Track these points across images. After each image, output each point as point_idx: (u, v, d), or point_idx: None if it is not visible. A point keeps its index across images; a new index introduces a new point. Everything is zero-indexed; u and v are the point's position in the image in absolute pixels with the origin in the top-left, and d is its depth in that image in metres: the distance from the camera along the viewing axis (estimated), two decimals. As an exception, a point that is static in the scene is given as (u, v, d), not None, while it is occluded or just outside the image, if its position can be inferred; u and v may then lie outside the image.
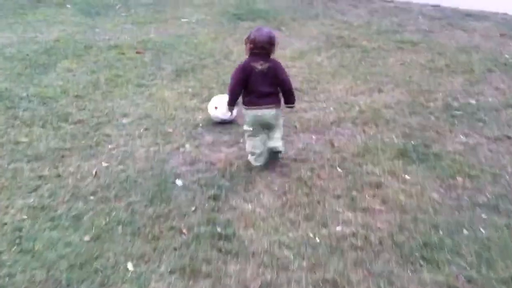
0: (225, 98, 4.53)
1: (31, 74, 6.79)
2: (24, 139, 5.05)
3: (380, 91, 6.19)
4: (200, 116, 5.58)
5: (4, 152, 4.82)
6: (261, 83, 4.20)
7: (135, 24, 9.51)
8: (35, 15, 9.88)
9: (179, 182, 4.39)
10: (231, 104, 4.42)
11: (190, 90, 6.29)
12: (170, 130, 5.27)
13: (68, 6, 10.44)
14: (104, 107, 5.77)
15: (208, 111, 5.53)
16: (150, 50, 7.92)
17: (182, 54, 7.72)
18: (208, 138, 5.20)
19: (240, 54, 7.29)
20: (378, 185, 4.35)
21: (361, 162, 4.73)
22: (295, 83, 5.07)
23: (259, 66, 4.18)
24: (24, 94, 6.07)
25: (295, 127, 5.30)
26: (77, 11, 10.18)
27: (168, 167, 4.64)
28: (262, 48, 4.16)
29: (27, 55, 7.65)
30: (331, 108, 5.77)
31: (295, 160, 4.78)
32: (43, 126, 5.31)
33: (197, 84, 6.45)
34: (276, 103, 4.33)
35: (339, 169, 4.62)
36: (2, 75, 6.73)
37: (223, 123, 5.41)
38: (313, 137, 5.14)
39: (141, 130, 5.25)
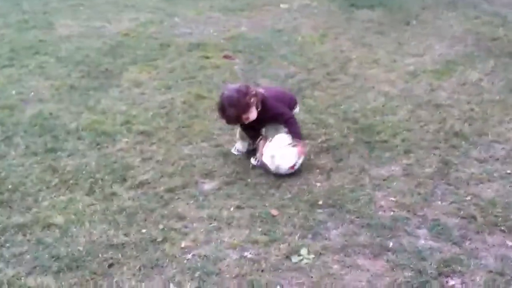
0: (284, 141, 3.70)
1: (87, 90, 5.03)
2: (55, 221, 3.32)
3: None
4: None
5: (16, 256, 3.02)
6: None
7: (223, 12, 7.57)
8: (104, -3, 8.03)
9: None
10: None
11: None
12: (276, 213, 3.28)
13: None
14: (178, 156, 4.01)
15: (265, 161, 3.77)
16: (241, 53, 5.96)
17: (283, 62, 5.73)
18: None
19: (361, 63, 5.20)
20: None
21: None
22: (450, 120, 4.18)
23: None
24: (73, 126, 4.30)
25: (474, 218, 3.18)
26: (154, -8, 8.24)
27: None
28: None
29: (87, 56, 5.85)
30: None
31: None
32: (89, 192, 3.63)
33: (306, 117, 4.38)
34: None
35: None
36: (49, 89, 5.01)
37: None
38: (509, 243, 2.98)
39: (231, 208, 3.32)
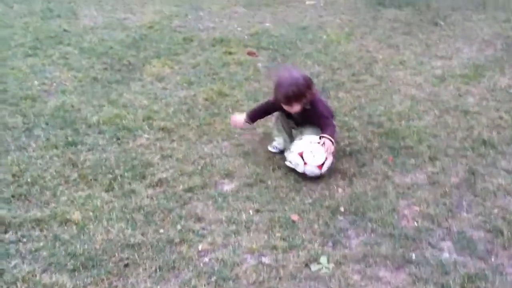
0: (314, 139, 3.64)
1: (109, 83, 5.00)
2: (72, 218, 3.28)
3: None
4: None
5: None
6: None
7: (248, 7, 7.50)
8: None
9: None
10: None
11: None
12: (296, 218, 3.22)
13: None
14: (198, 154, 3.96)
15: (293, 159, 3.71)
16: (265, 50, 5.88)
17: (308, 60, 5.62)
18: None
19: (387, 64, 5.10)
20: None
21: None
22: (478, 127, 4.29)
23: None
24: (94, 119, 4.26)
25: (501, 233, 3.16)
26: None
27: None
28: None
29: (111, 48, 5.82)
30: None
31: None
32: (108, 188, 3.58)
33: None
34: None
35: None
36: (72, 81, 4.99)
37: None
38: None
39: (250, 212, 3.23)
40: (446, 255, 2.93)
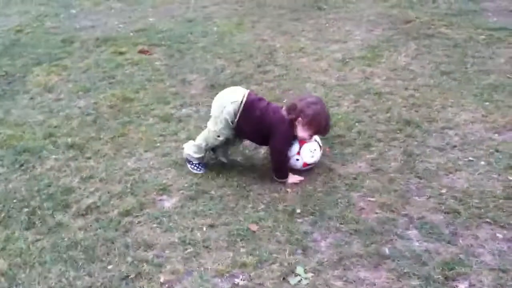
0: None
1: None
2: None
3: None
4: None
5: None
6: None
7: (124, 1, 7.02)
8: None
9: None
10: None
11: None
12: (255, 228, 2.96)
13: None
14: (123, 171, 3.59)
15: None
16: (157, 47, 5.48)
17: (207, 54, 5.31)
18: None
19: (287, 52, 4.98)
20: None
21: None
22: (395, 108, 4.13)
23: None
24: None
25: (458, 213, 3.12)
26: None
27: None
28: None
29: (-20, 58, 5.03)
30: (483, 163, 3.64)
31: None
32: (28, 226, 3.11)
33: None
34: (241, 117, 3.31)
35: None
36: None
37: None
38: (499, 235, 2.95)
39: (204, 228, 2.95)
40: (416, 244, 2.86)
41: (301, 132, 3.29)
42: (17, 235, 2.87)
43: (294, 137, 3.36)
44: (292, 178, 3.33)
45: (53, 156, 3.58)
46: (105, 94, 4.46)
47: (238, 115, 3.22)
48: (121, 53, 5.36)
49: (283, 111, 3.30)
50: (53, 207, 3.10)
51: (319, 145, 3.43)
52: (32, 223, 2.98)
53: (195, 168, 3.38)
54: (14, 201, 3.15)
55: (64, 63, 5.12)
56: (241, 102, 3.24)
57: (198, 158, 3.36)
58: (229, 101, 3.26)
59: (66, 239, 2.85)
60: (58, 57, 5.26)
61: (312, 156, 3.37)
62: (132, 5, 6.99)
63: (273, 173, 3.35)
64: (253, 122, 3.26)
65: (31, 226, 2.95)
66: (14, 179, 3.35)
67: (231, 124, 3.24)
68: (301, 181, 3.33)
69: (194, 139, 3.57)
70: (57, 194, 3.20)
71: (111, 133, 3.87)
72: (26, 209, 3.08)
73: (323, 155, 3.57)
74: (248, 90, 3.39)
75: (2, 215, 3.03)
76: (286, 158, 3.33)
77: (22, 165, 3.48)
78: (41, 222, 2.98)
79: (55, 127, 3.94)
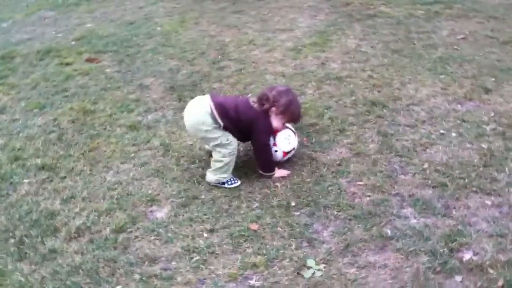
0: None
1: None
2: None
3: (486, 90, 4.20)
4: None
5: None
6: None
7: (56, 9, 6.73)
8: None
9: None
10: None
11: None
12: (256, 227, 2.98)
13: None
14: (104, 186, 3.49)
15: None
16: (104, 54, 5.31)
17: (158, 56, 5.23)
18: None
19: (238, 46, 4.98)
20: None
21: None
22: (358, 91, 4.24)
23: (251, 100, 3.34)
24: None
25: (445, 185, 3.27)
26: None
27: None
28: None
29: None
30: (454, 134, 3.82)
31: None
32: (20, 257, 2.96)
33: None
34: (221, 119, 3.21)
35: None
36: None
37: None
38: (488, 202, 3.10)
39: (204, 234, 2.96)
40: (414, 221, 2.94)
41: (275, 122, 3.29)
42: (11, 268, 2.73)
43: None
44: (279, 172, 3.33)
45: (26, 180, 3.41)
46: (62, 109, 4.29)
47: (217, 117, 3.16)
48: (67, 64, 5.16)
49: (253, 104, 3.27)
50: (41, 234, 2.96)
51: (292, 131, 3.43)
52: (24, 253, 2.84)
53: (231, 183, 3.32)
54: (-4, 232, 2.96)
55: (10, 80, 4.87)
56: (210, 106, 3.18)
57: (227, 176, 3.29)
58: (200, 114, 3.20)
59: (64, 265, 2.73)
60: (1, 75, 5.00)
61: (289, 143, 3.38)
62: (66, 13, 6.73)
63: (260, 169, 3.33)
64: (232, 122, 3.22)
65: (23, 256, 2.81)
66: (-11, 209, 3.15)
67: (220, 126, 3.18)
68: (288, 174, 3.32)
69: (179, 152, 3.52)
70: (41, 220, 3.05)
71: (81, 149, 3.72)
72: (12, 240, 2.93)
73: (302, 145, 3.59)
74: (208, 94, 3.32)
75: (-12, 249, 2.83)
76: (271, 151, 3.30)
77: (-6, 194, 3.27)
78: (32, 251, 2.84)
79: (19, 149, 3.75)
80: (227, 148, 3.19)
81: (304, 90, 4.45)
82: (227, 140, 3.19)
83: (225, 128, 3.19)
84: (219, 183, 3.24)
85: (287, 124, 3.41)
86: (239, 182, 3.27)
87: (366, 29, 5.75)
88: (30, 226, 3.02)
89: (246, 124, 3.23)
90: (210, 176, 3.27)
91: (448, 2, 6.38)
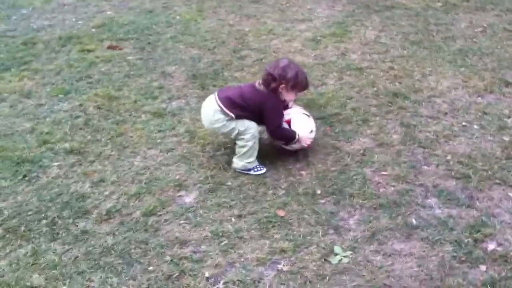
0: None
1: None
2: (34, 283, 2.71)
3: (507, 83, 4.27)
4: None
5: None
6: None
7: (74, -4, 6.70)
8: None
9: None
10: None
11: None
12: (283, 213, 3.03)
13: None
14: (132, 171, 3.54)
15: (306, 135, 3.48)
16: (125, 41, 5.37)
17: (179, 45, 5.28)
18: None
19: (257, 35, 5.04)
20: None
21: None
22: (379, 82, 4.41)
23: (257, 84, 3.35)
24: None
25: (468, 177, 3.31)
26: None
27: None
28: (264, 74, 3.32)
29: None
30: (476, 127, 3.89)
31: None
32: (53, 237, 3.01)
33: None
34: (231, 110, 3.27)
35: None
36: None
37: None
38: (510, 194, 3.20)
39: (232, 219, 3.03)
40: (438, 211, 2.99)
41: (287, 96, 3.34)
42: (44, 247, 2.80)
43: (284, 106, 3.43)
44: (303, 133, 3.41)
45: (55, 164, 3.48)
46: (87, 95, 4.35)
47: (226, 110, 3.24)
48: (89, 51, 5.22)
49: (260, 86, 3.31)
50: (73, 215, 3.03)
51: (307, 115, 3.52)
52: (56, 233, 2.91)
53: (257, 170, 3.38)
54: (29, 213, 3.06)
55: (33, 66, 4.93)
56: (217, 102, 3.27)
57: (253, 162, 3.36)
58: (211, 114, 3.31)
59: (97, 246, 2.80)
60: (25, 60, 5.05)
61: (306, 127, 3.45)
62: (84, 0, 6.76)
63: (282, 145, 3.42)
64: (243, 109, 3.28)
65: (56, 237, 2.88)
66: (21, 191, 3.24)
67: (233, 117, 3.22)
68: (311, 142, 3.42)
69: (199, 137, 3.69)
70: (73, 202, 3.12)
71: (108, 134, 3.79)
72: (44, 221, 3.00)
73: (326, 134, 3.66)
74: (213, 93, 3.39)
75: (22, 228, 2.93)
76: (284, 128, 3.40)
77: (25, 176, 3.37)
78: (65, 232, 2.91)
79: (47, 133, 3.82)
80: (247, 133, 3.28)
81: (325, 81, 4.50)
82: (244, 126, 3.27)
83: (239, 117, 3.23)
84: (245, 169, 3.30)
85: (302, 110, 3.48)
86: (264, 170, 3.32)
87: (384, 20, 5.77)
88: (61, 208, 3.08)
89: (256, 109, 3.30)
90: (237, 162, 3.34)
91: (466, -6, 6.37)
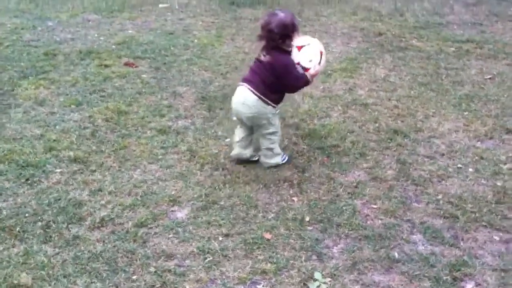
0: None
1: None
2: (21, 282, 2.82)
3: (508, 130, 4.30)
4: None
5: None
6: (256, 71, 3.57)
7: (100, 13, 6.98)
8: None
9: None
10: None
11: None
12: (269, 236, 3.19)
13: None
14: (130, 183, 3.66)
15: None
16: (142, 60, 5.53)
17: (193, 67, 5.42)
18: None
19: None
20: None
21: None
22: (382, 118, 4.50)
23: (262, 57, 3.52)
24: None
25: (456, 217, 3.37)
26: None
27: None
28: (266, 35, 3.42)
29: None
30: (471, 170, 3.93)
31: None
32: (45, 239, 3.13)
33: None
34: (262, 93, 3.50)
35: None
36: None
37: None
38: (495, 238, 3.22)
39: (220, 238, 3.16)
40: (422, 247, 3.04)
41: (291, 46, 3.49)
42: (35, 248, 2.90)
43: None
44: (311, 70, 3.56)
45: (58, 170, 3.61)
46: (98, 108, 4.50)
47: (258, 94, 3.53)
48: (106, 66, 5.40)
49: (264, 57, 3.50)
50: (67, 220, 3.14)
51: (321, 52, 3.63)
52: (49, 236, 3.01)
53: (283, 159, 3.82)
54: (26, 215, 3.17)
55: (51, 76, 5.12)
56: (249, 89, 3.52)
57: (280, 153, 3.78)
58: (245, 99, 3.56)
59: (86, 251, 2.90)
60: (44, 70, 5.25)
61: (310, 61, 3.56)
62: (109, 18, 7.01)
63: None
64: (272, 87, 3.55)
65: (48, 239, 2.99)
66: (22, 193, 3.37)
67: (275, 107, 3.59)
68: (317, 71, 3.58)
69: (196, 152, 3.85)
70: (69, 208, 3.24)
71: (112, 146, 3.92)
72: (40, 223, 3.11)
73: (322, 164, 3.75)
74: (242, 85, 3.60)
75: (17, 229, 3.05)
76: (301, 77, 3.54)
77: (27, 180, 3.50)
78: (57, 236, 3.02)
79: (54, 140, 3.96)
80: (273, 122, 3.65)
81: (329, 113, 4.60)
82: (273, 112, 3.63)
83: (276, 102, 3.60)
84: (276, 162, 3.75)
85: (318, 45, 3.63)
86: (287, 157, 3.79)
87: (396, 60, 5.88)
88: (57, 212, 3.20)
89: (274, 75, 3.51)
90: (266, 161, 3.74)
91: (480, 42, 6.49)
